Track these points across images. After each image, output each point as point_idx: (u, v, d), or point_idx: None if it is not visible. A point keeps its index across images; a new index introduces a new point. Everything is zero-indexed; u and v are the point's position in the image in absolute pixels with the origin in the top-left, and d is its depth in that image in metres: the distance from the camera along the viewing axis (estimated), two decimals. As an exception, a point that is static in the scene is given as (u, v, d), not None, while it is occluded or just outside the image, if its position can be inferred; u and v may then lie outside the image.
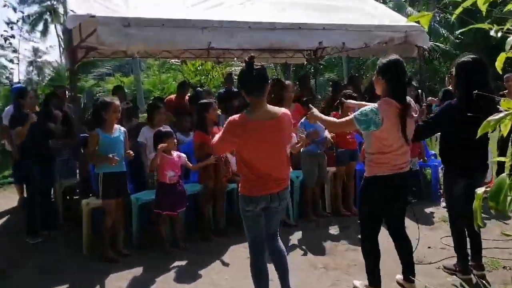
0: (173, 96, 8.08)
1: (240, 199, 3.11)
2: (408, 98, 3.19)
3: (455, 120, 3.46)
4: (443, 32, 16.63)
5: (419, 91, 7.46)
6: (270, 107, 3.08)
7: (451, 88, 6.59)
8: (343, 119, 3.44)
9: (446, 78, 6.76)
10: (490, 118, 1.21)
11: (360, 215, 3.45)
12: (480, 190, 1.24)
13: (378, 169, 3.19)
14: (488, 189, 1.25)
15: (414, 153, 6.14)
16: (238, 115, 3.03)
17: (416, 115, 3.28)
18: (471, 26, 1.39)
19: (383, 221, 3.44)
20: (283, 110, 3.13)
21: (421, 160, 6.54)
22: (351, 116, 3.28)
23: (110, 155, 4.29)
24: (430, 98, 7.89)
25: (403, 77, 3.21)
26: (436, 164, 6.41)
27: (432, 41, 13.09)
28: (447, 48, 16.36)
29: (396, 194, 3.29)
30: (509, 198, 1.10)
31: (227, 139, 3.02)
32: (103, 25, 4.69)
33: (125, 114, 6.25)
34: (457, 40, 16.94)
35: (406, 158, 3.24)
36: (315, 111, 3.63)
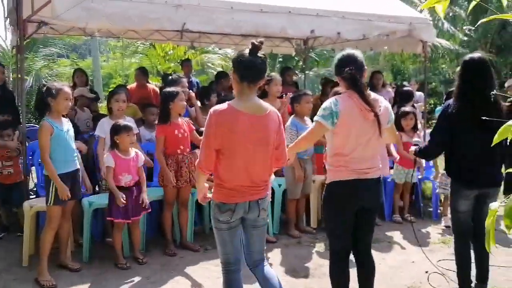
0: (134, 85, 8.03)
1: (213, 207, 3.07)
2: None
3: (457, 123, 3.60)
4: (450, 28, 16.95)
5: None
6: (259, 101, 3.06)
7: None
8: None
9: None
10: (510, 122, 1.23)
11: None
12: (494, 206, 1.26)
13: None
14: (503, 204, 1.27)
15: (411, 164, 6.23)
16: (223, 105, 2.97)
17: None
18: (494, 17, 1.41)
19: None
20: (271, 107, 3.10)
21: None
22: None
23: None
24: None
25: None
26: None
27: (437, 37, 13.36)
28: (452, 48, 16.66)
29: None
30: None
31: (214, 135, 2.92)
32: (59, -4, 4.62)
33: (83, 103, 6.19)
34: (465, 38, 17.28)
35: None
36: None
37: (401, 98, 7.01)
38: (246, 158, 2.96)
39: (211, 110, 2.97)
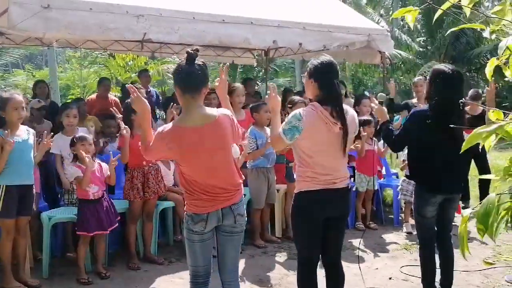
0: (94, 96, 7.87)
1: (186, 218, 3.02)
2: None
3: (427, 127, 3.62)
4: (406, 39, 17.40)
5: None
6: (206, 109, 2.98)
7: (414, 101, 6.97)
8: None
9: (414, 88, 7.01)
10: (479, 129, 1.25)
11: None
12: (466, 212, 1.27)
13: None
14: (474, 210, 1.28)
15: (372, 171, 6.33)
16: (168, 125, 2.97)
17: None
18: (463, 26, 1.44)
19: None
20: (220, 111, 3.05)
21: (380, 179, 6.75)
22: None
23: (10, 139, 4.00)
24: None
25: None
26: (398, 184, 6.62)
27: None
28: (411, 57, 17.11)
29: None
30: (503, 221, 1.14)
31: (160, 149, 2.96)
32: (16, 5, 4.51)
33: (37, 115, 6.02)
34: (421, 49, 17.79)
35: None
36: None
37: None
38: (206, 167, 2.92)
39: (158, 129, 2.97)
